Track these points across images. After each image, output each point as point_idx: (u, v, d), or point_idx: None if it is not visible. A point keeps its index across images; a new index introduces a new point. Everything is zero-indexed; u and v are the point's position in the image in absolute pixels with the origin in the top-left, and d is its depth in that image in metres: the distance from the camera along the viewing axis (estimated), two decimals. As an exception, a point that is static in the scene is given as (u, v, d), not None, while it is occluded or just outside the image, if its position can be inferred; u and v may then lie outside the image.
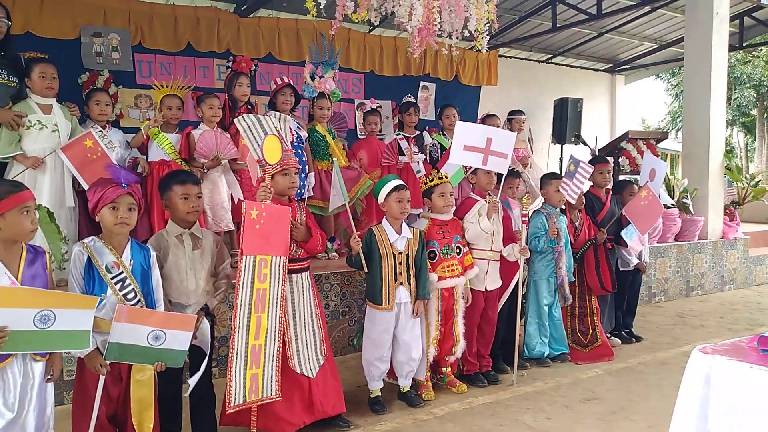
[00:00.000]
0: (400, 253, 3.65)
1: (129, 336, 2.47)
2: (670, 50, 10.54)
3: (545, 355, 4.58)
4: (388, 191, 3.68)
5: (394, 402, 3.77)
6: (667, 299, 7.03)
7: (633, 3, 8.26)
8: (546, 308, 4.57)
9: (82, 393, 2.63)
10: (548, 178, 4.68)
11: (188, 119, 5.38)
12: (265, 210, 2.97)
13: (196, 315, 2.77)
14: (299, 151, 4.95)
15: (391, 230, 3.68)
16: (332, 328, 4.61)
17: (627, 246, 4.96)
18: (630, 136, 7.15)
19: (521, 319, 4.33)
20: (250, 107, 5.16)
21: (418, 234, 3.78)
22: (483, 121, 6.28)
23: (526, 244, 4.18)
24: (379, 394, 3.71)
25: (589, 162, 4.75)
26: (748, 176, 9.20)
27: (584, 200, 4.81)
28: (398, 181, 3.76)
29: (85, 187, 3.66)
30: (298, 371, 3.25)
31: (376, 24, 5.89)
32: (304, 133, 5.16)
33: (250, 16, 6.99)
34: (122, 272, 2.62)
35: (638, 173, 6.12)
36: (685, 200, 7.27)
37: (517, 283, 4.25)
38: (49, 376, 2.40)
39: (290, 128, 4.68)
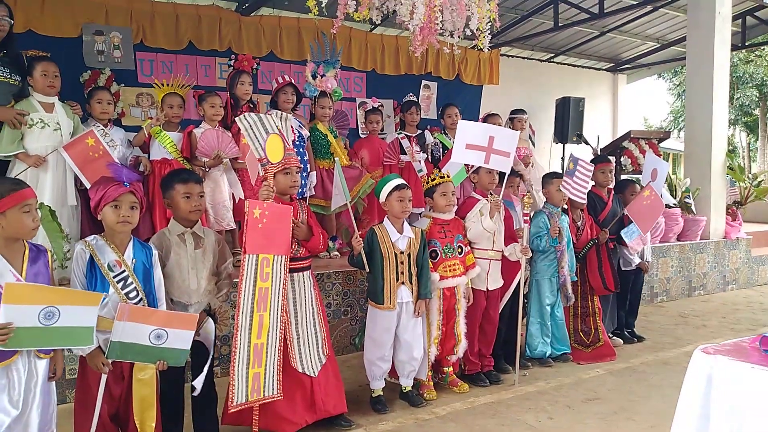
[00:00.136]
0: (402, 252, 3.65)
1: (131, 335, 2.46)
2: (672, 49, 10.53)
3: (547, 354, 4.58)
4: (390, 190, 3.68)
5: (396, 401, 3.77)
6: (669, 299, 7.02)
7: (635, 2, 8.25)
8: (548, 308, 4.57)
9: (85, 392, 2.64)
10: (550, 178, 4.69)
11: (190, 118, 5.39)
12: (268, 209, 2.96)
13: (197, 314, 2.76)
14: (301, 150, 4.93)
15: (393, 229, 3.67)
16: (334, 328, 4.61)
17: (627, 245, 4.96)
18: (632, 136, 7.16)
19: (523, 318, 4.32)
20: (251, 106, 5.15)
21: (420, 233, 3.77)
22: (485, 121, 6.25)
23: (528, 244, 4.18)
24: (381, 393, 3.71)
25: (590, 161, 4.75)
26: (750, 176, 9.21)
27: (586, 200, 4.81)
28: (400, 181, 3.76)
29: (87, 185, 3.67)
30: (300, 370, 3.25)
31: (377, 23, 5.87)
32: (305, 132, 5.15)
33: (252, 14, 7.00)
34: (124, 271, 2.63)
35: (640, 173, 6.10)
36: (687, 200, 7.26)
37: (519, 282, 4.24)
38: (52, 375, 2.40)
39: (292, 127, 4.65)
